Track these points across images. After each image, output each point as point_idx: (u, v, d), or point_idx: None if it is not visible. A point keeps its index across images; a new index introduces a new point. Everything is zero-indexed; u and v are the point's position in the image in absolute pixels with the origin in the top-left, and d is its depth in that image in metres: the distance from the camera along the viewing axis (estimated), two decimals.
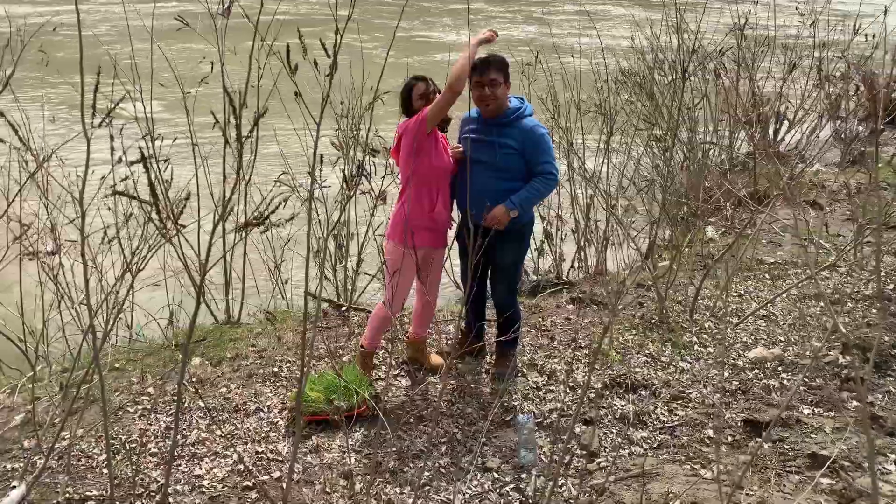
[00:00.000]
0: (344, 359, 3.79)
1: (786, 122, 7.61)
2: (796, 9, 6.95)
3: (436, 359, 3.73)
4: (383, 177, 4.35)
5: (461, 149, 3.41)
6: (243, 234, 2.45)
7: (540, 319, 4.26)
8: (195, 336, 4.11)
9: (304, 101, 2.68)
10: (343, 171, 4.14)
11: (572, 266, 5.25)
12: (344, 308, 4.44)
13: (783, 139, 7.70)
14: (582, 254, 5.25)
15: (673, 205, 5.64)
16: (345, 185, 3.98)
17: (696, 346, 3.78)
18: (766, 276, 4.70)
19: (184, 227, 2.22)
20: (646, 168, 5.92)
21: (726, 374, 3.43)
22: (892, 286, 4.31)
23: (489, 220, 3.22)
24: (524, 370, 3.64)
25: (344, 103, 4.35)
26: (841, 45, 7.68)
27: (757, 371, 3.44)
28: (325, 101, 1.99)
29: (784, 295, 4.25)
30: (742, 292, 4.45)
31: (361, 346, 3.56)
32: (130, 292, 3.73)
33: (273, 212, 1.97)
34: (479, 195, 3.27)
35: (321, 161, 4.01)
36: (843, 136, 7.94)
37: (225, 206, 2.26)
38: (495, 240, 3.20)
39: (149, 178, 2.03)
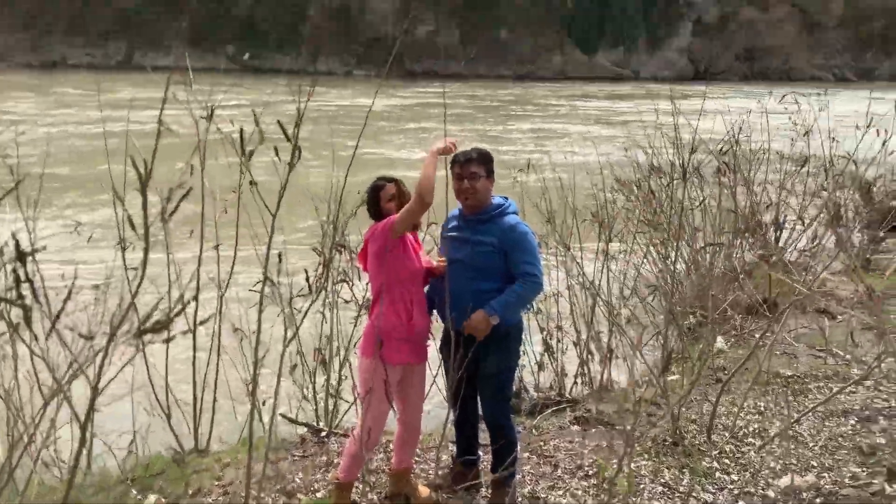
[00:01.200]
0: (318, 494, 3.29)
1: (786, 230, 7.42)
2: (789, 118, 6.92)
3: (424, 491, 3.23)
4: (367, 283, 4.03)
5: (444, 264, 3.14)
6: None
7: (541, 443, 3.79)
8: (154, 468, 3.67)
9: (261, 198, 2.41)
10: (309, 274, 3.84)
11: (575, 381, 4.81)
12: (324, 433, 3.98)
13: (788, 246, 7.48)
14: (585, 368, 4.83)
15: (679, 314, 5.31)
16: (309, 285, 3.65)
17: (717, 473, 3.29)
18: (786, 389, 4.27)
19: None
20: (648, 275, 5.64)
21: None
22: None
23: (469, 328, 2.93)
24: None
25: (319, 210, 4.13)
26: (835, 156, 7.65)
27: (792, 503, 2.95)
28: (284, 188, 1.71)
29: (810, 413, 3.80)
30: (762, 408, 4.01)
31: (336, 479, 3.09)
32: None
33: (177, 314, 1.60)
34: (456, 297, 2.96)
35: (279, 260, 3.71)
36: (846, 243, 7.73)
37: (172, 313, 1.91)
38: (479, 348, 2.87)
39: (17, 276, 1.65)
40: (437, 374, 3.84)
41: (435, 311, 3.19)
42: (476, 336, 2.96)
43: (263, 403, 4.34)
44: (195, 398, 4.01)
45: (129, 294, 1.58)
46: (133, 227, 1.93)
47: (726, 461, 3.39)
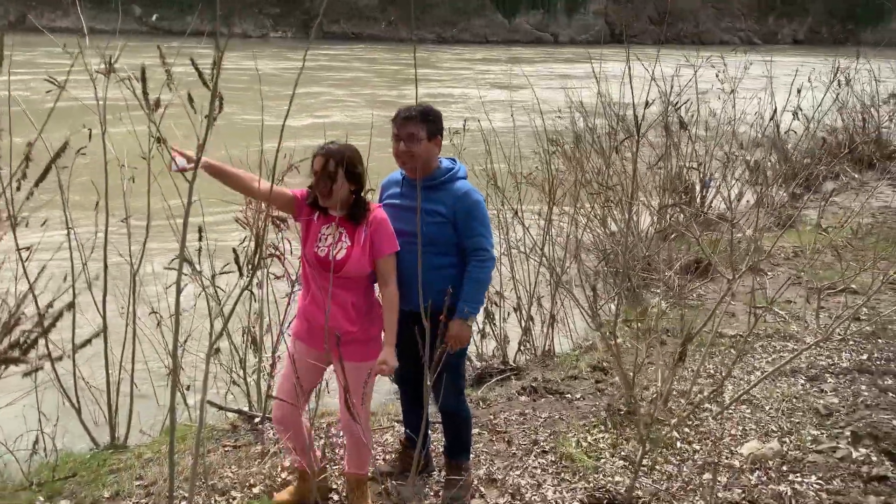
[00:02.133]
0: (255, 489, 2.95)
1: (712, 188, 7.47)
2: (717, 76, 6.89)
3: None
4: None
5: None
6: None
7: (491, 417, 3.57)
8: (64, 470, 3.22)
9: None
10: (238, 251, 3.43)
11: (519, 349, 4.62)
12: (258, 419, 3.61)
13: (710, 205, 7.54)
14: (528, 335, 4.64)
15: (617, 274, 5.21)
16: (244, 266, 3.25)
17: (678, 443, 3.16)
18: (732, 350, 4.21)
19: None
20: (586, 240, 5.51)
21: (723, 479, 2.81)
22: (865, 356, 3.89)
23: (453, 344, 2.65)
24: (482, 489, 2.91)
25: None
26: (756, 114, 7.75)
27: (759, 473, 2.84)
28: (203, 144, 1.34)
29: (761, 373, 3.74)
30: (712, 372, 3.93)
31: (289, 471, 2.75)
32: None
33: (41, 336, 1.23)
34: (402, 272, 2.65)
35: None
36: (765, 200, 7.89)
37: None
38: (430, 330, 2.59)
39: None
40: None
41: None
42: (461, 345, 2.70)
43: (188, 388, 3.92)
44: (108, 386, 3.56)
45: None
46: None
47: (686, 430, 3.27)
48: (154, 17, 40.35)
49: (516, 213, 4.71)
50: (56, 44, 3.28)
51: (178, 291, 1.97)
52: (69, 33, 3.45)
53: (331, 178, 2.48)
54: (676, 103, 6.11)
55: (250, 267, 3.27)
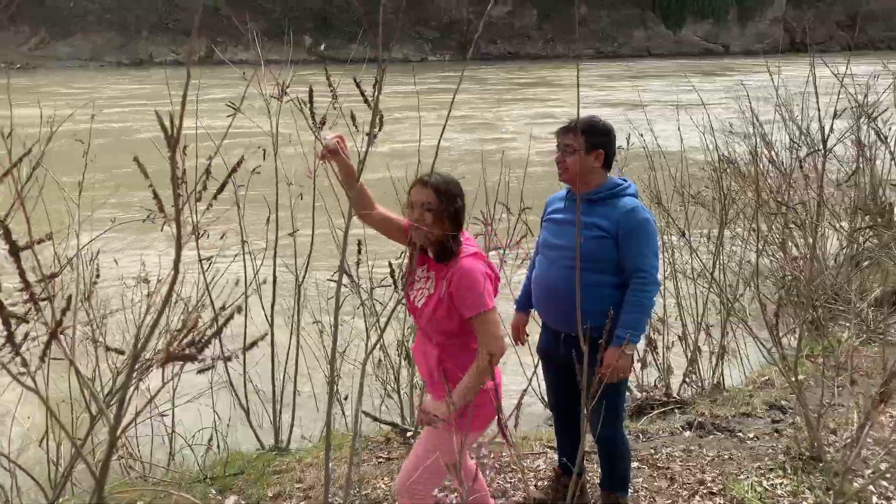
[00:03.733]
0: None
1: None
2: None
3: None
4: None
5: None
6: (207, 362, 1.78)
7: (652, 451, 3.39)
8: (234, 467, 3.51)
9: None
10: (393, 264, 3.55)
11: (684, 381, 4.36)
12: (410, 433, 3.72)
13: None
14: (695, 366, 4.37)
15: (799, 304, 4.76)
16: (399, 279, 3.36)
17: (874, 499, 2.80)
18: None
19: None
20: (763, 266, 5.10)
21: None
22: None
23: (611, 375, 2.51)
24: None
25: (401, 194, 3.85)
26: None
27: None
28: (363, 162, 1.41)
29: None
30: None
31: None
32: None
33: (215, 335, 1.32)
34: (554, 290, 2.60)
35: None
36: None
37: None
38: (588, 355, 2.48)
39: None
40: (532, 375, 3.51)
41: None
42: (620, 376, 2.59)
43: (345, 398, 4.14)
44: (274, 392, 3.85)
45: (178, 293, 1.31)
46: (161, 209, 1.64)
47: (884, 484, 2.89)
48: (322, 47, 43.69)
49: (683, 233, 4.48)
50: (238, 73, 3.66)
51: (338, 304, 2.09)
52: (248, 65, 3.85)
53: (429, 211, 2.19)
54: (871, 113, 5.51)
55: (406, 281, 3.38)
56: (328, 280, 4.03)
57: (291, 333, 3.90)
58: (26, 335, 1.50)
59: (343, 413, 4.11)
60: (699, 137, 5.32)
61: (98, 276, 2.91)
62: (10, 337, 1.16)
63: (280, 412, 3.86)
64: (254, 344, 1.69)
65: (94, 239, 3.20)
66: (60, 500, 3.22)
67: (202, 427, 3.73)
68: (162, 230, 3.82)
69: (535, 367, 3.42)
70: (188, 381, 3.20)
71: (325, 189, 3.23)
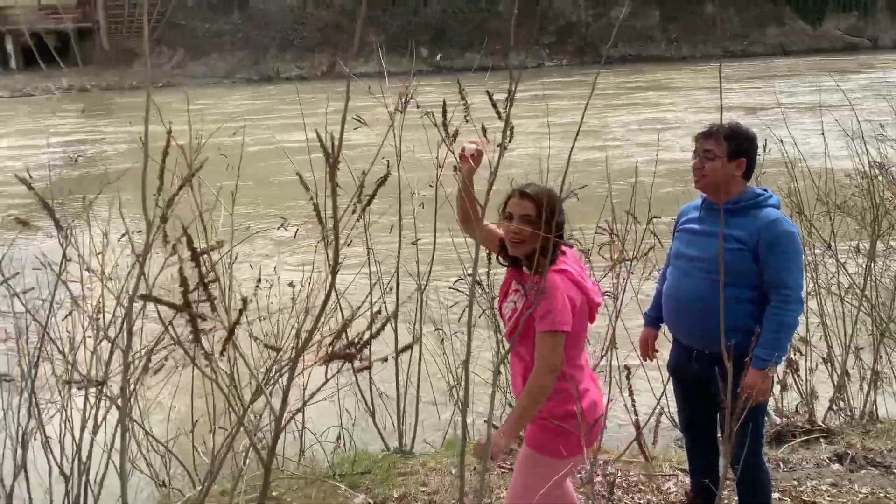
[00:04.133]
0: None
1: None
2: None
3: None
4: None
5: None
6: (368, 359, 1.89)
7: (795, 483, 3.21)
8: (361, 465, 3.68)
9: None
10: None
11: (830, 408, 4.08)
12: None
13: None
14: (843, 392, 4.08)
15: None
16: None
17: None
18: None
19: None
20: None
21: None
22: None
23: (755, 398, 2.39)
24: None
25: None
26: None
27: None
28: (494, 174, 1.47)
29: None
30: None
31: None
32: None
33: (370, 340, 1.41)
34: (687, 304, 2.52)
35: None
36: None
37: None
38: (721, 371, 2.39)
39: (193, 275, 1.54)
40: (661, 395, 3.44)
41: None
42: (762, 398, 2.52)
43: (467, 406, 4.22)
44: (398, 396, 3.99)
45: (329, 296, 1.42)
46: (321, 220, 1.78)
47: None
48: (438, 57, 44.66)
49: (829, 246, 4.21)
50: (357, 87, 3.85)
51: (471, 312, 2.15)
52: (368, 77, 4.05)
53: (528, 223, 2.15)
54: None
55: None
56: (451, 287, 4.15)
57: (414, 340, 4.03)
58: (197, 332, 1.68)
59: (464, 421, 4.18)
60: (844, 142, 4.98)
61: (261, 280, 3.14)
62: (196, 334, 1.32)
63: (404, 417, 4.00)
64: (405, 349, 1.80)
65: (238, 244, 3.47)
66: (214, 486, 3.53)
67: (330, 426, 3.95)
68: (295, 236, 4.03)
69: (665, 385, 3.36)
70: (316, 381, 3.42)
71: (445, 198, 3.33)
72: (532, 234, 2.12)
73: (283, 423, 1.44)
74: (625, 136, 16.47)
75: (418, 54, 46.00)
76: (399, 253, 3.96)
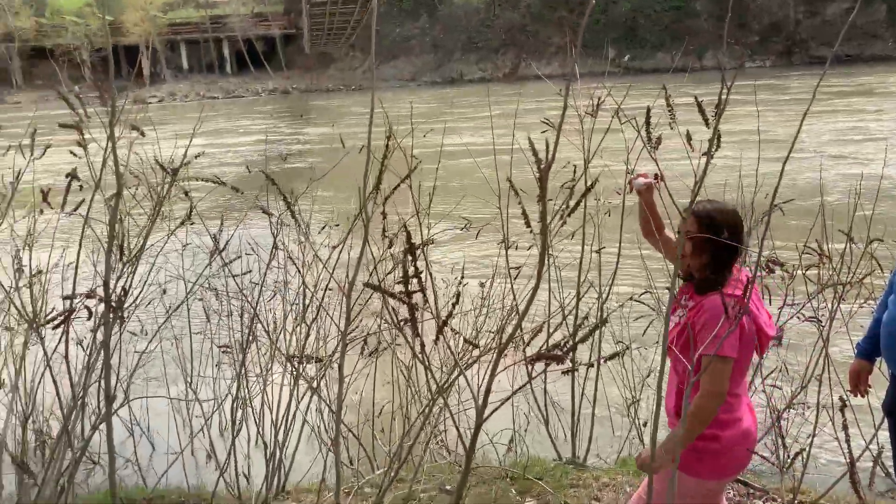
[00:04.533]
0: None
1: None
2: None
3: None
4: None
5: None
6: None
7: None
8: (532, 471, 3.73)
9: None
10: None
11: None
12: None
13: None
14: None
15: None
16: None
17: None
18: None
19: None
20: None
21: None
22: None
23: None
24: None
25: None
26: None
27: None
28: (699, 184, 1.44)
29: None
30: None
31: None
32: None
33: (576, 345, 1.41)
34: None
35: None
36: None
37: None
38: None
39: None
40: (874, 436, 3.11)
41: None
42: None
43: (644, 424, 4.11)
44: (573, 407, 3.99)
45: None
46: (528, 224, 1.85)
47: None
48: (626, 58, 43.56)
49: None
50: (539, 88, 3.86)
51: (666, 327, 2.10)
52: (551, 79, 4.05)
53: (689, 240, 2.16)
54: None
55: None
56: (634, 300, 4.06)
57: (591, 352, 4.00)
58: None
59: (641, 438, 4.09)
60: None
61: (463, 276, 3.29)
62: (413, 320, 1.45)
63: (578, 428, 3.99)
64: (613, 356, 1.82)
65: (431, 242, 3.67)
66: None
67: (503, 429, 4.04)
68: (477, 237, 4.17)
69: (879, 426, 3.05)
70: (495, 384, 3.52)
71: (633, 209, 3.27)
72: (693, 250, 2.14)
73: (483, 417, 1.53)
74: (816, 148, 14.92)
75: (604, 55, 45.22)
76: (581, 260, 3.96)
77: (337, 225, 3.70)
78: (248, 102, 42.12)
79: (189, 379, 4.23)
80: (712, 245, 2.12)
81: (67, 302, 1.88)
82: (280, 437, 3.48)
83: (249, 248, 3.66)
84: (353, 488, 3.46)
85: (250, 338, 3.45)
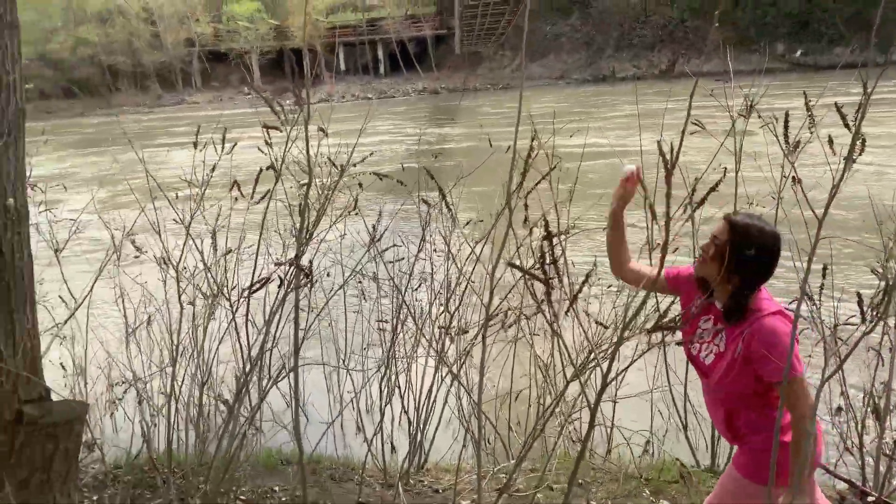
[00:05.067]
0: None
1: None
2: None
3: None
4: None
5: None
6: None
7: None
8: (668, 474, 3.74)
9: None
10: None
11: None
12: (871, 498, 3.38)
13: None
14: None
15: None
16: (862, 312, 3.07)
17: None
18: None
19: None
20: None
21: None
22: None
23: None
24: None
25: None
26: None
27: None
28: (836, 187, 1.46)
29: None
30: None
31: None
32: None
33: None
34: None
35: None
36: None
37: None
38: None
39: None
40: None
41: None
42: None
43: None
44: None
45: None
46: (654, 217, 1.91)
47: None
48: (798, 53, 40.63)
49: None
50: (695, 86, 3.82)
51: (794, 339, 2.07)
52: (710, 76, 3.98)
53: (721, 257, 2.08)
54: None
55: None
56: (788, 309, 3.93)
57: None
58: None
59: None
60: None
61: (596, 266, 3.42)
62: (549, 297, 1.62)
63: (718, 437, 3.94)
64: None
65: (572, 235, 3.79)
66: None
67: (639, 429, 4.07)
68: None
69: None
70: (631, 388, 3.56)
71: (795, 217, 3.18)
72: (713, 257, 2.10)
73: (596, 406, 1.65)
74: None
75: (773, 51, 42.39)
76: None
77: (481, 220, 3.92)
78: (399, 102, 43.88)
79: (344, 357, 4.64)
80: (735, 258, 2.05)
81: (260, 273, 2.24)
82: (422, 417, 3.76)
83: (399, 239, 3.99)
84: (488, 473, 3.67)
85: (397, 321, 3.76)
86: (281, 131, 2.19)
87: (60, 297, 3.47)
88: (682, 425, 4.07)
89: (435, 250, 4.02)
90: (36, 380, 2.12)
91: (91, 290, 3.32)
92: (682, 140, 1.65)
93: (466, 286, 3.36)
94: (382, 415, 3.68)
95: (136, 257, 3.43)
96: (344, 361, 4.60)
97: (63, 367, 4.04)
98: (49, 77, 49.98)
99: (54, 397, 2.34)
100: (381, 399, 3.79)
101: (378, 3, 55.11)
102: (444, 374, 3.74)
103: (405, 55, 54.48)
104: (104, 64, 53.32)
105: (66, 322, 3.15)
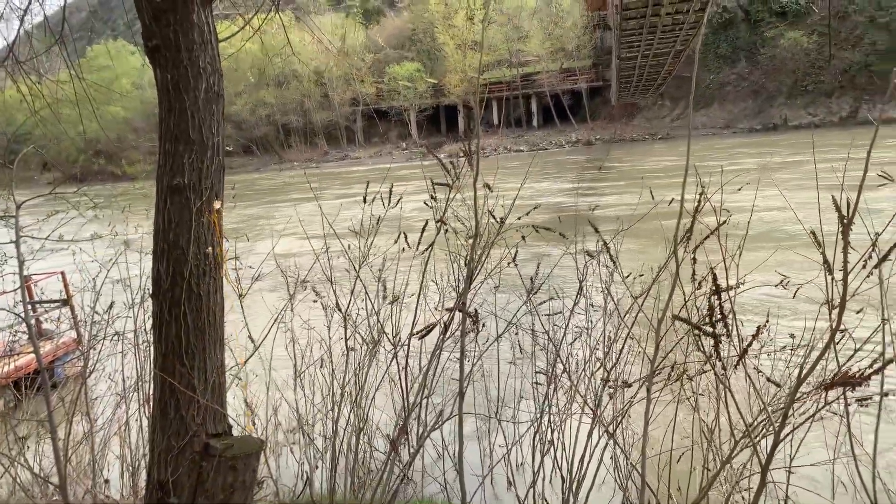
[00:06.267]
0: None
1: None
2: None
3: None
4: None
5: None
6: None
7: None
8: None
9: None
10: None
11: None
12: None
13: None
14: None
15: None
16: None
17: None
18: None
19: None
20: None
21: None
22: None
23: None
24: None
25: None
26: None
27: None
28: None
29: None
30: None
31: None
32: None
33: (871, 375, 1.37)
34: None
35: None
36: None
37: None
38: None
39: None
40: None
41: None
42: None
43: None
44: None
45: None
46: (829, 271, 1.80)
47: None
48: None
49: None
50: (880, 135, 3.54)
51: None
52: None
53: None
54: None
55: None
56: None
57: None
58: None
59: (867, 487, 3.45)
60: None
61: (768, 321, 3.27)
62: (717, 351, 1.59)
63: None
64: None
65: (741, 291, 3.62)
66: None
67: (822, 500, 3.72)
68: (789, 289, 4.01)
69: None
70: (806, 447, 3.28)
71: None
72: None
73: (769, 463, 1.57)
74: None
75: None
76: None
77: (641, 275, 3.85)
78: (551, 154, 44.11)
79: (496, 409, 4.68)
80: None
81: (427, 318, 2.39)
82: (574, 476, 3.69)
83: (554, 291, 4.00)
84: None
85: (552, 376, 3.75)
86: (451, 187, 2.34)
87: (250, 337, 3.82)
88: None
89: (591, 305, 3.99)
90: (225, 413, 2.35)
91: (268, 332, 3.63)
92: (859, 193, 1.58)
93: (627, 337, 3.32)
94: (535, 474, 3.66)
95: (315, 301, 3.72)
96: (497, 413, 4.64)
97: (245, 405, 4.41)
98: (231, 136, 55.74)
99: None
100: (532, 454, 3.77)
101: (533, 58, 56.20)
102: (600, 433, 3.66)
103: (559, 108, 54.86)
104: (278, 123, 58.69)
105: (246, 362, 3.46)
